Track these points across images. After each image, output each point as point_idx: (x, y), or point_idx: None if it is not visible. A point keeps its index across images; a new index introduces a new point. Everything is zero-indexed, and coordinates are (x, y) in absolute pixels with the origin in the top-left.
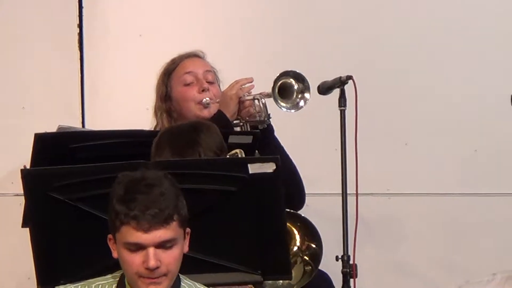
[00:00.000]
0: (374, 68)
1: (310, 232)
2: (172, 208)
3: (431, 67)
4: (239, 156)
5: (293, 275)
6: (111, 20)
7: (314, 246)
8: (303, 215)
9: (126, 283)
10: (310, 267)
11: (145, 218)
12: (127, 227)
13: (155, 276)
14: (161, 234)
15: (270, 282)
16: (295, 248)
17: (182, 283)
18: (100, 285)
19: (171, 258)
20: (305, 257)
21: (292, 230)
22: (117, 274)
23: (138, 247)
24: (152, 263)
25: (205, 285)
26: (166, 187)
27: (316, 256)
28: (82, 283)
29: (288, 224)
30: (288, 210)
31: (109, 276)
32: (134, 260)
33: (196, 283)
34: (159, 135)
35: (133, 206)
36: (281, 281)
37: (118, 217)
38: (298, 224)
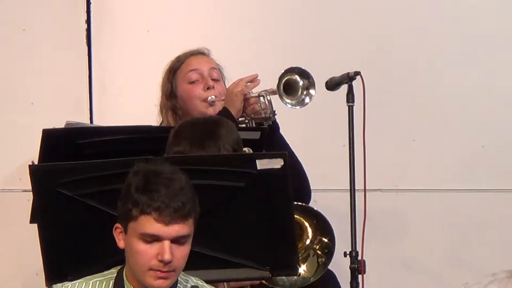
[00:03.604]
0: (382, 64)
1: (322, 225)
2: (191, 204)
3: (439, 63)
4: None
5: (307, 268)
6: (119, 16)
7: (326, 240)
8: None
9: (125, 279)
10: (323, 259)
11: (168, 210)
12: (147, 217)
13: (165, 270)
14: (179, 228)
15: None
16: (308, 242)
17: (178, 278)
18: (98, 282)
19: (182, 254)
20: (318, 251)
21: (304, 224)
22: (114, 270)
23: (154, 239)
24: (167, 256)
25: (213, 281)
26: (185, 182)
27: (328, 249)
28: (80, 280)
29: (300, 217)
30: (301, 203)
31: (106, 272)
32: (147, 252)
33: (191, 277)
34: (178, 125)
35: (157, 197)
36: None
37: (137, 207)
38: (311, 217)
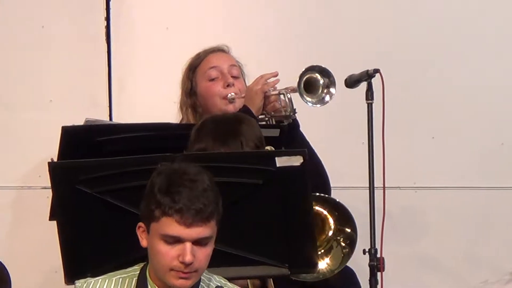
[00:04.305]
0: (401, 62)
1: (343, 215)
2: (214, 206)
3: (458, 60)
4: None
5: (331, 260)
6: (138, 13)
7: (349, 230)
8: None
9: (148, 277)
10: (347, 250)
11: (189, 213)
12: (168, 219)
13: (187, 271)
14: (201, 230)
15: None
16: (330, 233)
17: (201, 276)
18: (121, 279)
19: (205, 255)
20: (341, 242)
21: (325, 215)
22: (137, 267)
23: (176, 240)
24: (188, 258)
25: (232, 278)
26: (208, 184)
27: (351, 239)
28: (103, 276)
29: (322, 209)
30: (323, 195)
31: (129, 269)
32: (169, 253)
33: (215, 276)
34: (201, 122)
35: (178, 199)
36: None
37: (159, 208)
38: (331, 208)
